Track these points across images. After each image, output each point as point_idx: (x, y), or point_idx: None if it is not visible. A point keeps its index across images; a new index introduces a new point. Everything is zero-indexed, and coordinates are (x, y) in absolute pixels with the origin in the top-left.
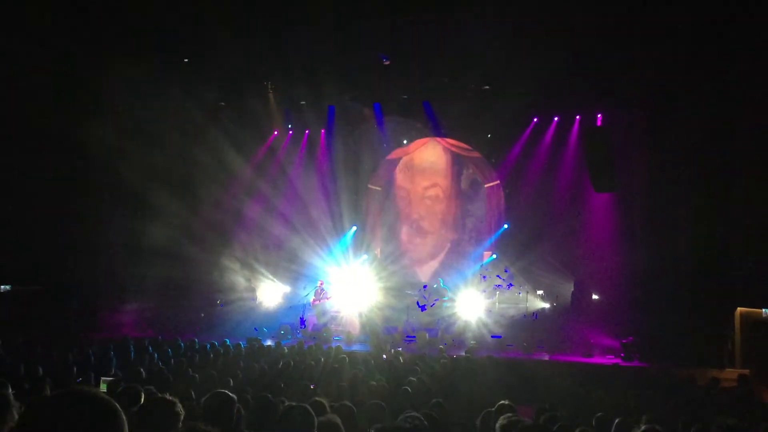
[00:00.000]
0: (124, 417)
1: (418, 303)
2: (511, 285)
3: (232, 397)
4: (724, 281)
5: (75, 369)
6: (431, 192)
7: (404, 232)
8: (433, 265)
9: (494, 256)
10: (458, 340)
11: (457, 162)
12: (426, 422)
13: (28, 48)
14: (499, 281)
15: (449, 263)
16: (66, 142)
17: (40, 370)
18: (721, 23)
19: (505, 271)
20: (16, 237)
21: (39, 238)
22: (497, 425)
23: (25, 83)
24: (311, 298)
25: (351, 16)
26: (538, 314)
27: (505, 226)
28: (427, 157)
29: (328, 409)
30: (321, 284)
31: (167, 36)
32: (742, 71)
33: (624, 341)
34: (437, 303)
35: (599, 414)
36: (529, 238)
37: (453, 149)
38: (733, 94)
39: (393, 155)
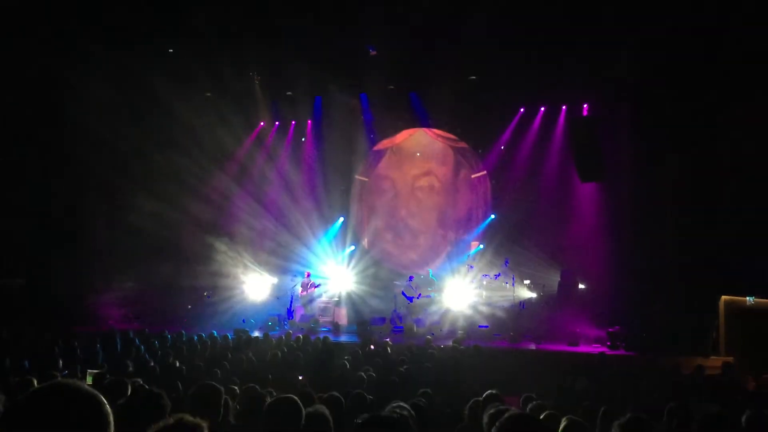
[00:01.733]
0: (109, 410)
1: (404, 293)
2: (503, 277)
3: (219, 389)
4: (709, 270)
5: (61, 362)
6: (423, 182)
7: (388, 231)
8: (431, 268)
9: (481, 246)
10: (445, 331)
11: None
12: (413, 412)
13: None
14: (485, 270)
15: (447, 264)
16: (45, 134)
17: (26, 363)
18: (707, 12)
19: (505, 263)
20: None
21: (22, 232)
22: (485, 415)
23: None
24: (299, 289)
25: (338, 6)
26: (524, 304)
27: (492, 216)
28: (420, 140)
29: (315, 400)
30: (308, 275)
31: (152, 25)
32: (728, 60)
33: (610, 330)
34: (424, 293)
35: (585, 403)
36: (516, 228)
37: (440, 140)
38: (718, 82)
39: (380, 146)
